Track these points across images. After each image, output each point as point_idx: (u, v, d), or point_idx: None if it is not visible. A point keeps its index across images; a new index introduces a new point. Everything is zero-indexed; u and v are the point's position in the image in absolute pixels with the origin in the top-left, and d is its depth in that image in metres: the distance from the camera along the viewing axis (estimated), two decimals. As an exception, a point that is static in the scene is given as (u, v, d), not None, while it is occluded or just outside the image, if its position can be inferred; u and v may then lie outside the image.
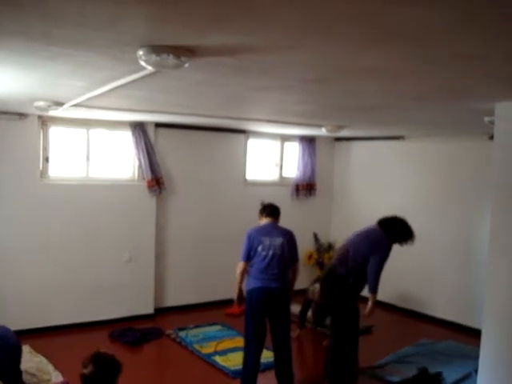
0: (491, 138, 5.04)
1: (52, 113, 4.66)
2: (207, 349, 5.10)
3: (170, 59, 2.11)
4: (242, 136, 6.80)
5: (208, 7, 1.56)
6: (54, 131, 5.56)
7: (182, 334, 5.48)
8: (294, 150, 7.37)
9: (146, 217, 6.03)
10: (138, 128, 5.82)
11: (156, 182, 5.95)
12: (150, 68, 2.25)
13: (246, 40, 1.94)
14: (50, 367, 4.42)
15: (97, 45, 2.10)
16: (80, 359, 2.71)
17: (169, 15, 1.66)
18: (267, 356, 4.43)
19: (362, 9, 1.51)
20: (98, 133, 5.81)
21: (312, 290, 5.33)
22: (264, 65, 2.41)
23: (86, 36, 1.96)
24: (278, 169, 7.36)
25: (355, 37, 1.83)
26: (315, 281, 5.45)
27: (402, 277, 6.51)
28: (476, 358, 3.41)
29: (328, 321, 4.89)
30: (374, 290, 4.27)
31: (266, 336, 4.09)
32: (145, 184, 5.94)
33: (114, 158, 5.99)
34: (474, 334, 4.74)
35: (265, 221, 4.19)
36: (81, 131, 5.69)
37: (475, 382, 3.55)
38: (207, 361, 4.83)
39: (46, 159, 5.49)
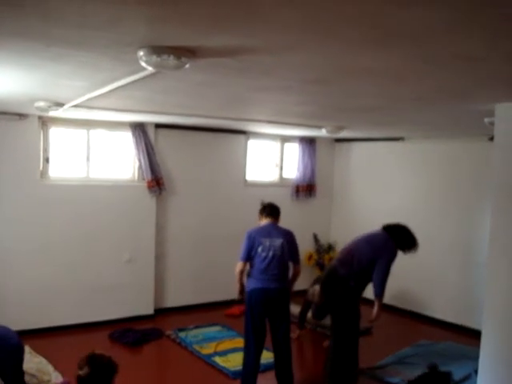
0: (491, 139, 5.05)
1: (52, 113, 4.66)
2: (207, 349, 5.10)
3: (171, 60, 2.11)
4: (242, 137, 6.80)
5: (208, 7, 1.56)
6: (55, 132, 5.56)
7: (182, 334, 5.48)
8: (294, 150, 7.37)
9: (146, 217, 6.03)
10: (138, 129, 5.82)
11: (156, 182, 5.95)
12: (150, 69, 2.25)
13: (246, 40, 1.95)
14: (50, 368, 4.41)
15: (97, 45, 2.10)
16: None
17: (169, 16, 1.67)
18: (267, 357, 4.42)
19: (362, 9, 1.51)
20: (98, 133, 5.81)
21: (312, 291, 5.32)
22: (264, 65, 2.41)
23: (86, 36, 1.96)
24: (278, 170, 7.36)
25: (355, 37, 1.83)
26: (315, 282, 5.44)
27: (401, 277, 6.48)
28: (476, 358, 3.40)
29: (328, 321, 4.88)
30: (380, 293, 4.18)
31: (266, 337, 4.09)
32: (145, 184, 5.94)
33: (114, 159, 5.99)
34: (474, 336, 4.73)
35: (265, 221, 4.19)
36: (81, 132, 5.69)
37: (475, 382, 3.54)
38: (207, 361, 4.83)
39: (47, 160, 5.49)
